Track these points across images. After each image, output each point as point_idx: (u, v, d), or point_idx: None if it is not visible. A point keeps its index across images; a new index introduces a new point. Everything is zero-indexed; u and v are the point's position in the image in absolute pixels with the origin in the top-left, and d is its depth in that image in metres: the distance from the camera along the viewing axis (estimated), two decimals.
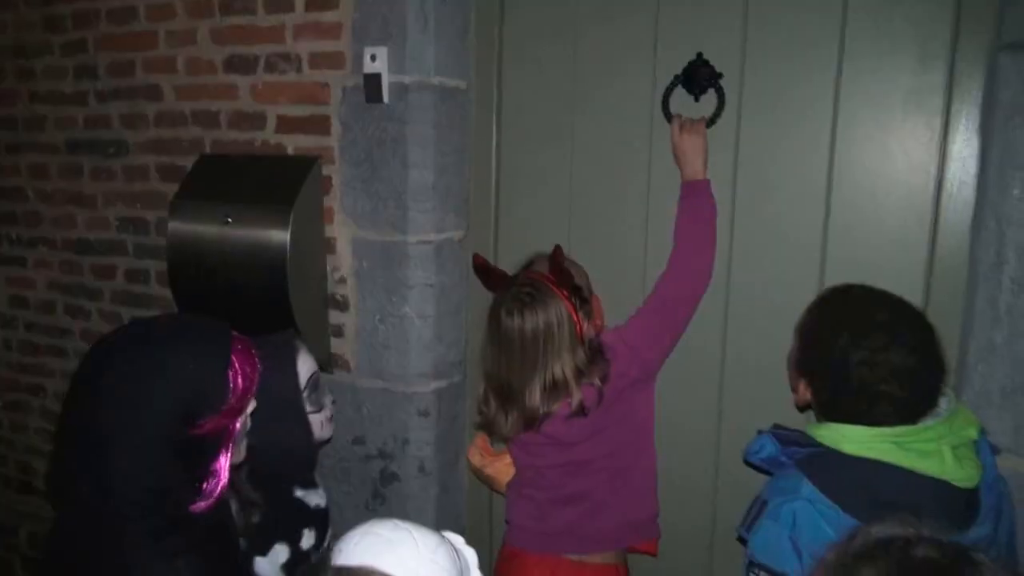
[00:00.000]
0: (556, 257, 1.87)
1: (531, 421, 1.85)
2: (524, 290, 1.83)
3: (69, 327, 2.89)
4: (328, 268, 2.29)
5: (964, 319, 1.69)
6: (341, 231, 2.26)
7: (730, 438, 2.00)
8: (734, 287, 1.99)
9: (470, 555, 1.14)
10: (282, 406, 1.68)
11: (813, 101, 1.86)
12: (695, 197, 1.92)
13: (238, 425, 1.29)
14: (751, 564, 1.35)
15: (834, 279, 1.66)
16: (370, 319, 2.25)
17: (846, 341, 1.38)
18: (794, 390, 1.52)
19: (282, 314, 2.19)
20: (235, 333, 1.32)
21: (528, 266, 1.96)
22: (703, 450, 2.06)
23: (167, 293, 2.57)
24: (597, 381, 1.83)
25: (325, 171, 2.25)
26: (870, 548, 0.84)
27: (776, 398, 1.77)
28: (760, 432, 1.48)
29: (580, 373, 1.82)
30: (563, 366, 1.81)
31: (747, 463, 1.51)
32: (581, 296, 1.88)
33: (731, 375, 2.02)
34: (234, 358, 1.27)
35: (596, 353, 1.86)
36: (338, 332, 2.31)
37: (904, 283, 1.62)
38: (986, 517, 1.38)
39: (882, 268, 1.75)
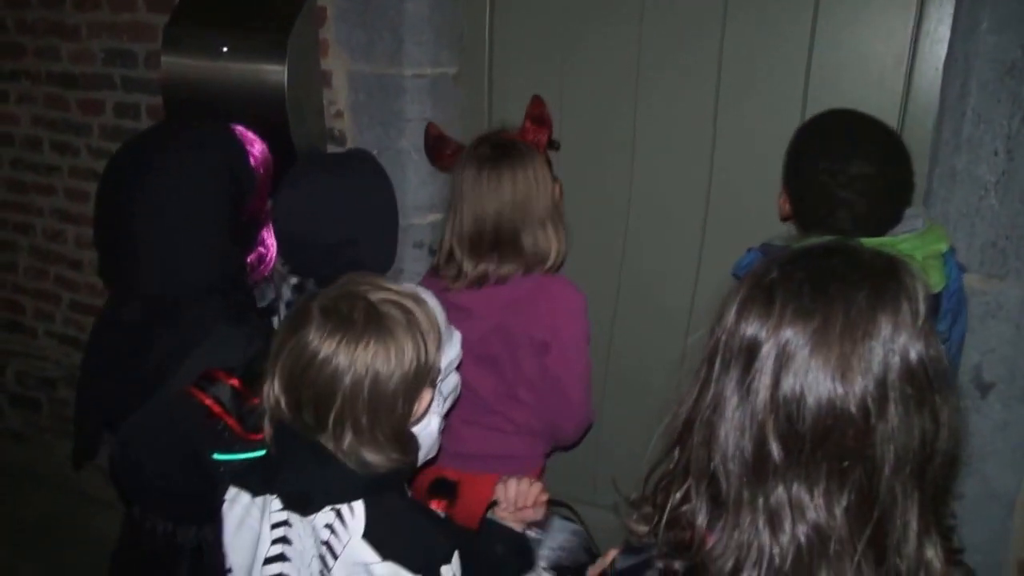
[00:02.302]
0: (535, 108, 1.92)
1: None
2: (500, 141, 1.83)
3: (58, 164, 2.90)
4: (325, 102, 2.33)
5: (931, 149, 1.83)
6: (336, 64, 2.29)
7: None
8: (721, 130, 2.09)
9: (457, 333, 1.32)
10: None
11: None
12: None
13: (269, 204, 1.42)
14: None
15: None
16: None
17: (816, 150, 1.55)
18: (780, 207, 1.67)
19: (283, 150, 2.23)
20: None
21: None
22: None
23: None
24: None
25: (320, 1, 2.26)
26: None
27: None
28: (750, 249, 1.63)
29: (535, 257, 1.78)
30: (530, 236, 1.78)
31: (735, 276, 1.66)
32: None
33: (716, 207, 2.14)
34: (245, 145, 1.40)
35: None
36: None
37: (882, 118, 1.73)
38: (943, 317, 1.56)
39: (860, 106, 1.86)
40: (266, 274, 1.46)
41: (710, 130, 2.09)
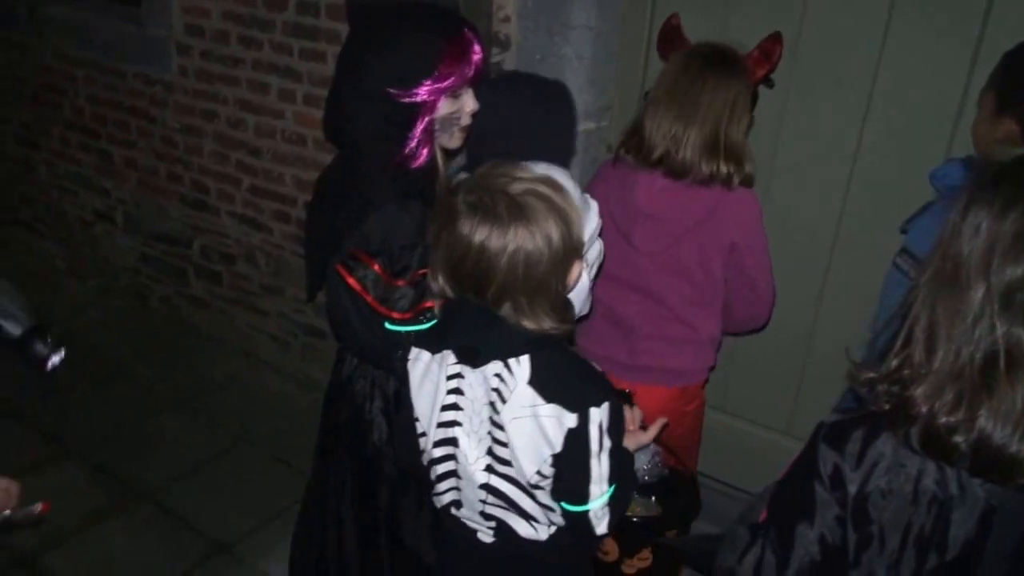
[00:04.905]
0: (769, 42, 1.95)
1: (660, 164, 1.90)
2: (724, 48, 1.92)
3: (242, 56, 3.13)
4: (493, 6, 2.41)
5: None
6: None
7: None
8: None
9: (593, 202, 1.41)
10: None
11: None
12: None
13: (440, 104, 1.56)
14: (901, 251, 1.58)
15: None
16: (529, 58, 2.40)
17: None
18: (988, 138, 1.64)
19: None
20: (465, 26, 1.58)
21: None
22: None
23: (337, 26, 2.77)
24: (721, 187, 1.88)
25: None
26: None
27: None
28: (949, 160, 1.63)
29: (715, 155, 1.86)
30: (720, 133, 1.86)
31: (932, 182, 1.67)
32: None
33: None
34: (446, 46, 1.53)
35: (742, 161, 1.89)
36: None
37: None
38: None
39: None
40: (419, 165, 1.60)
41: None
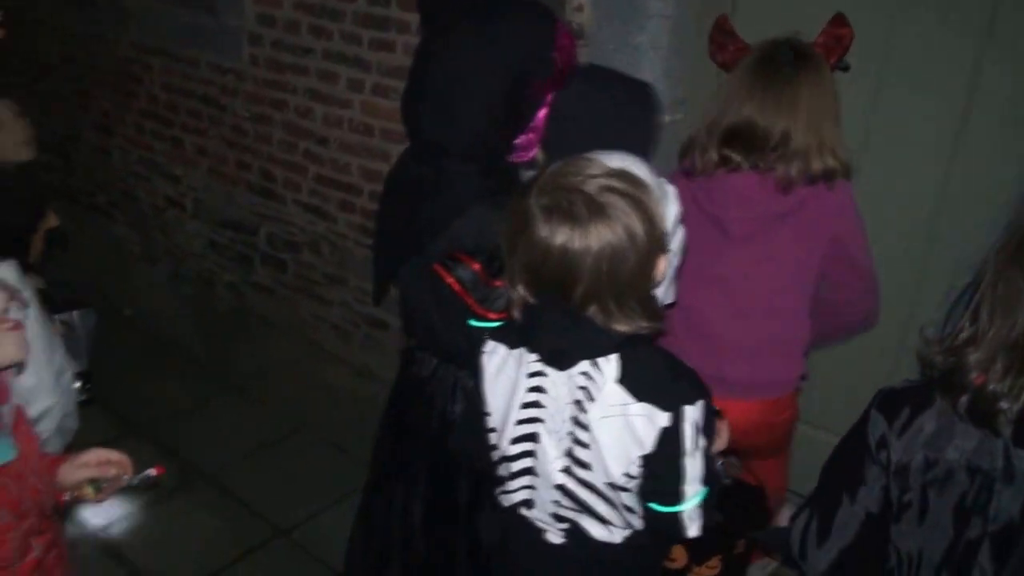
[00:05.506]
0: (836, 25, 1.88)
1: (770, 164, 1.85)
2: (800, 42, 1.86)
3: (312, 46, 3.14)
4: None
5: None
6: None
7: None
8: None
9: (671, 188, 1.38)
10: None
11: None
12: None
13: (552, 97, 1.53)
14: None
15: None
16: (603, 48, 2.35)
17: None
18: None
19: None
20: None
21: None
22: None
23: (407, 16, 2.76)
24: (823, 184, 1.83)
25: None
26: None
27: None
28: None
29: (821, 152, 1.82)
30: (807, 129, 1.81)
31: None
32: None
33: None
34: (557, 35, 1.50)
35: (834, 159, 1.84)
36: None
37: None
38: None
39: None
40: (527, 159, 1.56)
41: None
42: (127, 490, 1.55)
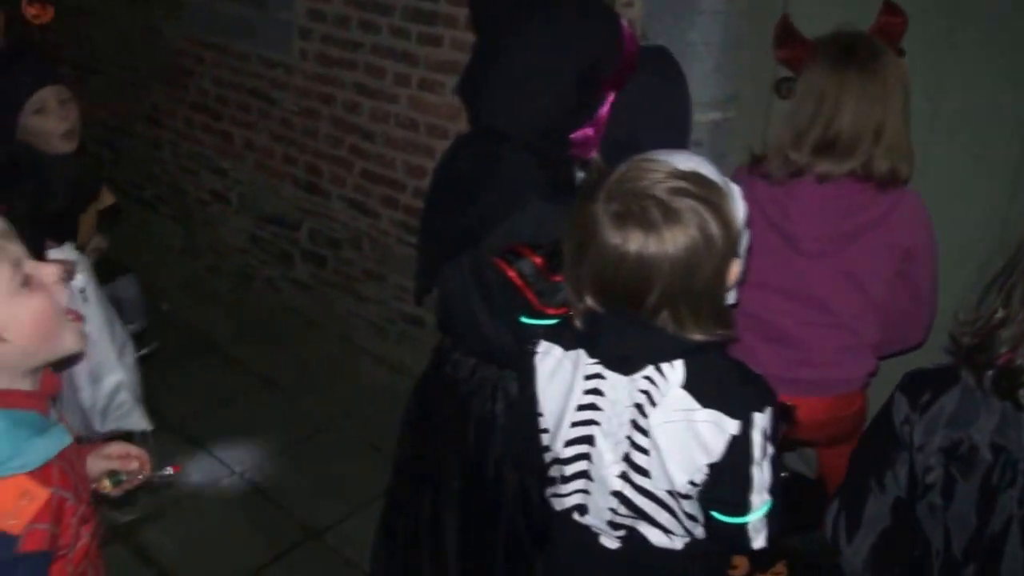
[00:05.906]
0: (887, 12, 1.82)
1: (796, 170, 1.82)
2: (865, 36, 1.81)
3: (362, 41, 3.14)
4: None
5: None
6: None
7: None
8: None
9: (735, 187, 1.33)
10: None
11: None
12: None
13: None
14: None
15: None
16: (653, 44, 2.29)
17: None
18: None
19: None
20: None
21: None
22: None
23: (455, 11, 2.74)
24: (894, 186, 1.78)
25: None
26: None
27: None
28: None
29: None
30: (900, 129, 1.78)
31: None
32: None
33: None
34: (622, 34, 1.49)
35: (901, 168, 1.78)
36: None
37: None
38: None
39: None
40: (588, 156, 1.52)
41: None
42: (142, 487, 1.53)
